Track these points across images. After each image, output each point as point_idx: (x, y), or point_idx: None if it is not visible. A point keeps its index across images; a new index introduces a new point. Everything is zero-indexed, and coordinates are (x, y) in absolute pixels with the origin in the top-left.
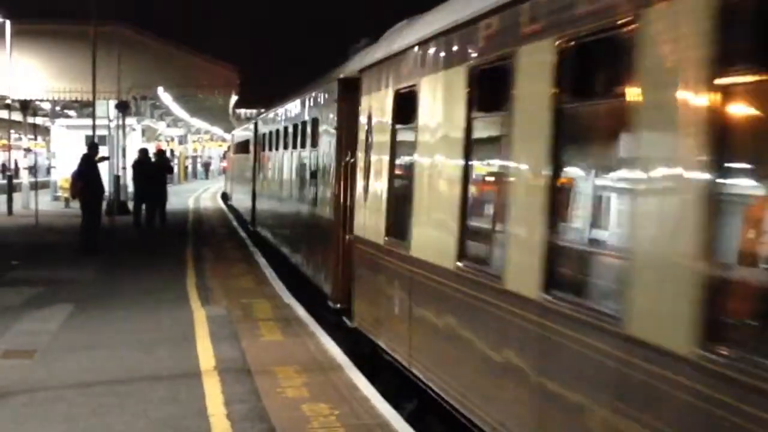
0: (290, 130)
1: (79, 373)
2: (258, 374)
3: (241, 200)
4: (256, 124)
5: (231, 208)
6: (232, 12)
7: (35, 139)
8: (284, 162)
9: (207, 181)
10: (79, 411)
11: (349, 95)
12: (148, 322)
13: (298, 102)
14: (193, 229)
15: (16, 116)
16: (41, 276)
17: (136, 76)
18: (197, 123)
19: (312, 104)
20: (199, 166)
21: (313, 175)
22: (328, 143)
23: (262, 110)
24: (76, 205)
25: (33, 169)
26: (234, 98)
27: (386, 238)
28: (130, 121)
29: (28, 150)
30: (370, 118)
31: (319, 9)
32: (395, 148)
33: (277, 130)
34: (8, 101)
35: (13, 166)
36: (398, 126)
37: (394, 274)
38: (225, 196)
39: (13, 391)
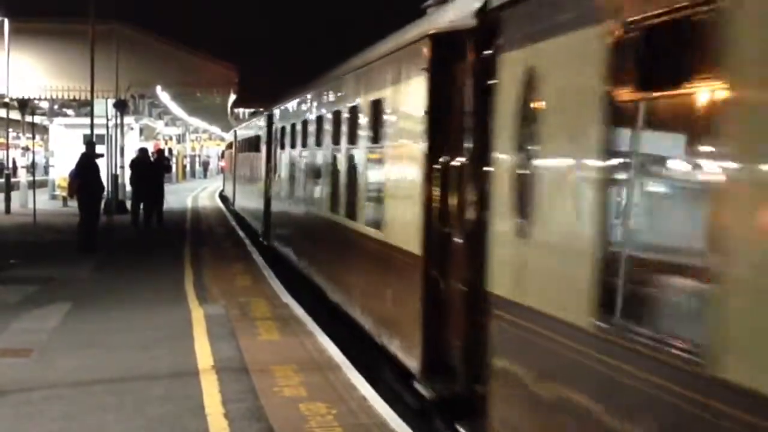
0: (328, 122)
1: (77, 372)
2: (255, 373)
3: (248, 206)
4: (270, 117)
5: (233, 212)
6: (232, 12)
7: (33, 137)
8: (319, 163)
9: (205, 180)
10: (76, 409)
11: (448, 61)
12: (145, 320)
13: (341, 82)
14: (192, 228)
15: (14, 115)
16: (39, 274)
17: (135, 75)
18: (195, 122)
19: (369, 82)
20: (197, 166)
21: (372, 183)
22: (402, 137)
23: (259, 109)
24: (73, 203)
25: (31, 168)
26: (233, 97)
27: (600, 321)
28: (129, 119)
29: (26, 149)
30: (529, 88)
31: (319, 9)
32: (614, 139)
33: (304, 123)
34: (6, 100)
35: (11, 164)
36: (626, 97)
37: (640, 402)
38: (223, 198)
39: (10, 389)
